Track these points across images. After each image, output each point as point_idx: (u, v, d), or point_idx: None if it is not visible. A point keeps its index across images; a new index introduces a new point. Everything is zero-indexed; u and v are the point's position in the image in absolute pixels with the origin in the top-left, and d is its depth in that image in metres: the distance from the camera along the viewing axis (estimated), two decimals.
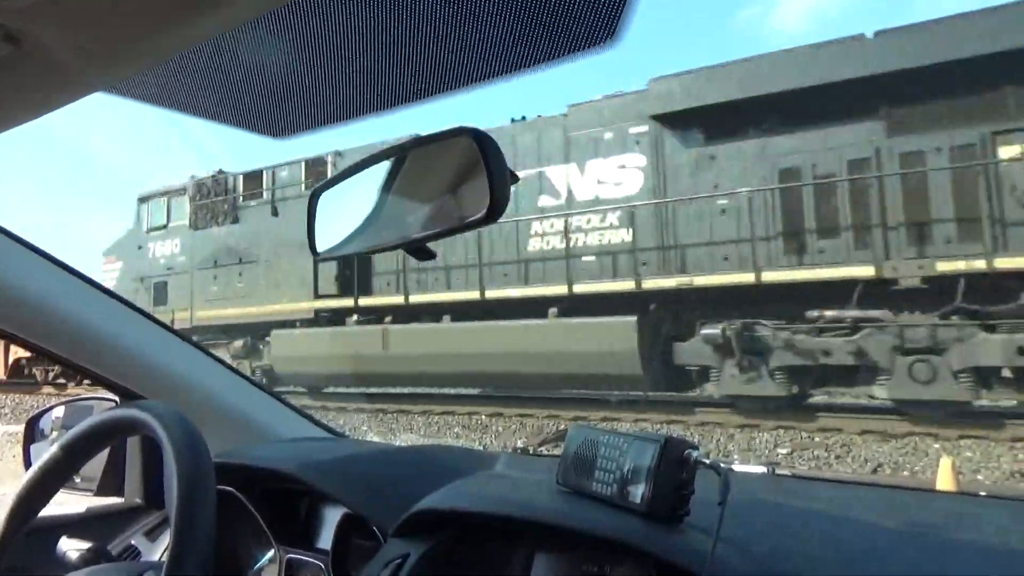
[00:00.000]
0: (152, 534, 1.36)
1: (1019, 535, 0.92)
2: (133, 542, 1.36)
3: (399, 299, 11.42)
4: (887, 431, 7.86)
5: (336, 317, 12.21)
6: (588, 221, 10.14)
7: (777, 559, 0.79)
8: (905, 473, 6.80)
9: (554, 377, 10.00)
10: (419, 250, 0.92)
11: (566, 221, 10.24)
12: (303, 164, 12.83)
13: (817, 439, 8.01)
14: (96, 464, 1.56)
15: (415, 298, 11.31)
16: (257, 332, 12.99)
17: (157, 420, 0.90)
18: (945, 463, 5.21)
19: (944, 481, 4.99)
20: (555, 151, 10.55)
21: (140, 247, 14.84)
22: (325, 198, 1.05)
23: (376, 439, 9.47)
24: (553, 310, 9.83)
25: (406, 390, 12.35)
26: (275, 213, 12.92)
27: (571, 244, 10.15)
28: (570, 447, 0.96)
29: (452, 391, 12.24)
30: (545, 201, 10.55)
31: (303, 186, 12.59)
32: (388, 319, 11.50)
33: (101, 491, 1.52)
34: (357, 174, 1.00)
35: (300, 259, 12.05)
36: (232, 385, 1.59)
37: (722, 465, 0.83)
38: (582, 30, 0.68)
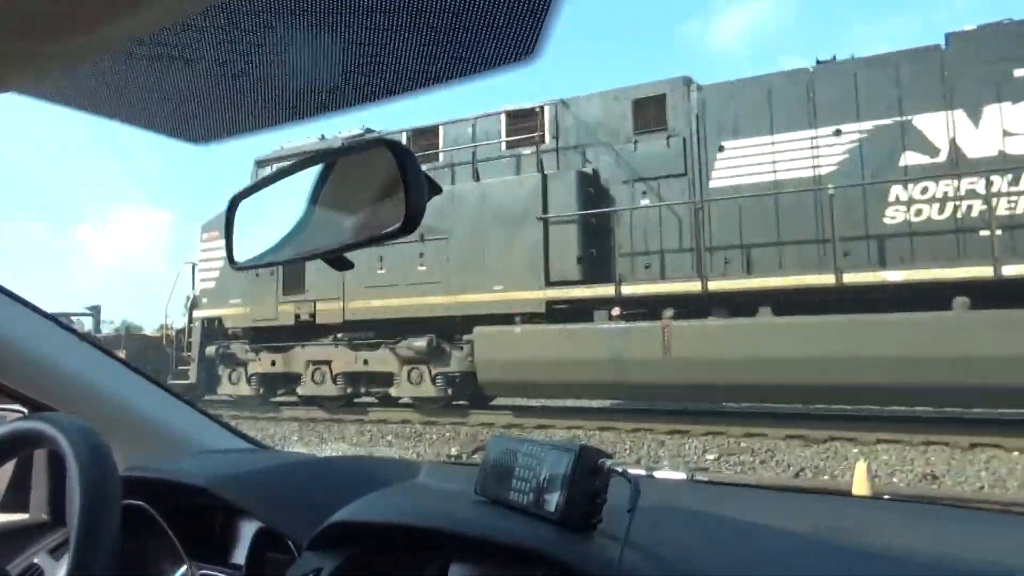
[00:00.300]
0: (57, 552, 1.31)
1: (916, 536, 0.97)
2: (36, 560, 1.31)
3: (691, 286, 8.70)
4: (809, 436, 8.15)
5: (576, 310, 9.51)
6: (993, 185, 7.60)
7: (684, 562, 0.82)
8: (825, 477, 7.04)
9: (957, 390, 7.45)
10: (337, 259, 0.92)
11: (958, 184, 7.81)
12: (502, 116, 10.63)
13: (744, 444, 8.24)
14: (0, 479, 1.49)
15: (718, 284, 8.57)
16: (445, 329, 10.38)
17: (61, 432, 0.87)
18: (860, 467, 5.44)
19: (859, 484, 5.21)
20: (926, 93, 8.04)
21: None
22: (244, 206, 1.04)
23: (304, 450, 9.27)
24: (962, 299, 7.38)
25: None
26: (476, 177, 10.49)
27: (965, 214, 7.76)
28: (489, 457, 0.97)
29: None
30: (912, 159, 8.08)
31: (503, 144, 10.60)
32: (668, 313, 8.78)
33: (5, 508, 1.46)
34: (279, 182, 0.99)
35: (522, 234, 9.72)
36: (150, 396, 1.55)
37: (635, 472, 0.85)
38: (502, 45, 0.69)
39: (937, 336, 7.34)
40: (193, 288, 13.30)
